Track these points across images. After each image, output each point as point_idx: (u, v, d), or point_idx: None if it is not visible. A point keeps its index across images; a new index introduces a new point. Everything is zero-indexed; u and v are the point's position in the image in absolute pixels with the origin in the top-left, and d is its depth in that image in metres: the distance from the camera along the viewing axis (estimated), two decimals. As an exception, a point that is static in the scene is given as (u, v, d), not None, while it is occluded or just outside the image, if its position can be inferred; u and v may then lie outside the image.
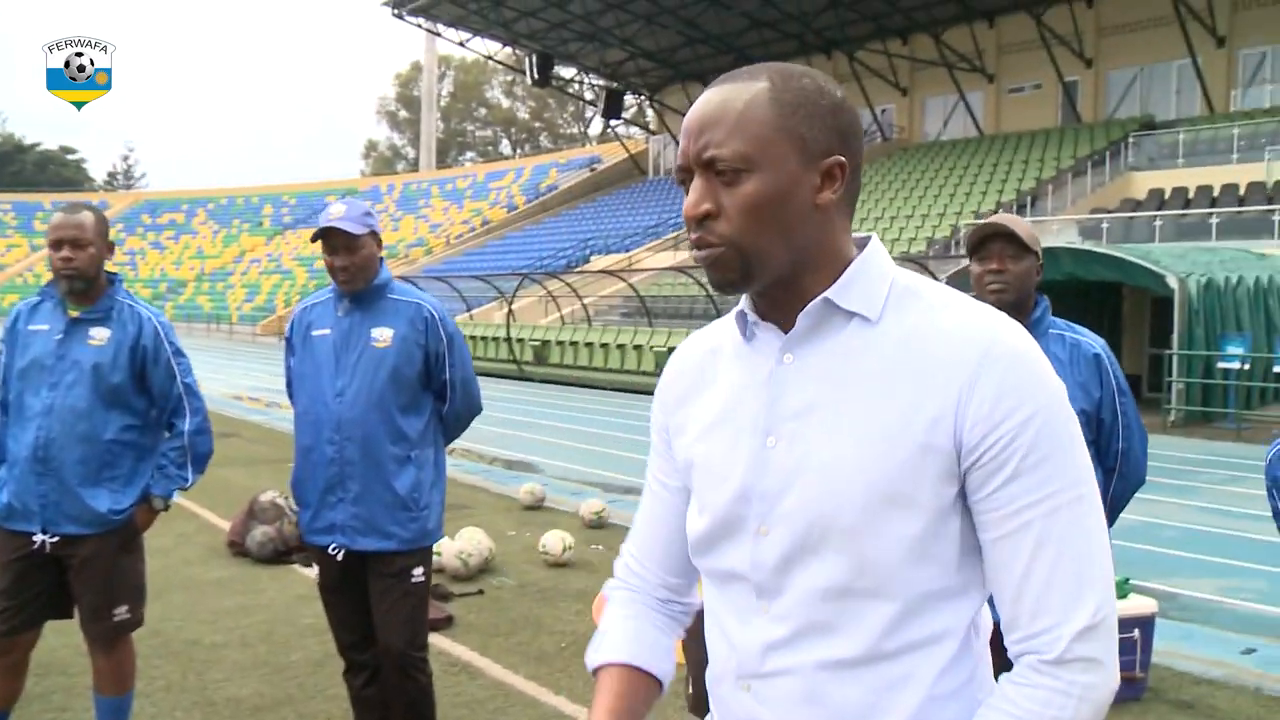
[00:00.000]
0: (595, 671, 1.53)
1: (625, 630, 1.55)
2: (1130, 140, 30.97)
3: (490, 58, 53.46)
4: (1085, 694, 1.21)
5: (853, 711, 1.28)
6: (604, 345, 25.70)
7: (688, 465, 1.46)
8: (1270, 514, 2.88)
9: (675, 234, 40.03)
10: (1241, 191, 25.48)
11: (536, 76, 46.81)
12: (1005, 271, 3.01)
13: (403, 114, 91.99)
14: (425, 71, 68.22)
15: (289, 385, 3.65)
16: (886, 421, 1.25)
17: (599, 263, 39.34)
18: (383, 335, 3.40)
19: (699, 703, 3.35)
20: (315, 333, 3.49)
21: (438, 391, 3.55)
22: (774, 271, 1.29)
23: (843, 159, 1.29)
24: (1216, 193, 26.07)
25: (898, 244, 29.20)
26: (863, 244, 1.35)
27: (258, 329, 49.32)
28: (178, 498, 3.82)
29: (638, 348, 24.53)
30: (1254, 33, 31.32)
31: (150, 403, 3.70)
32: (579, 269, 38.44)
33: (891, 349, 1.27)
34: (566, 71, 50.31)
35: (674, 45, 44.24)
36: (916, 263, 21.58)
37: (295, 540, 7.14)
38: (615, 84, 49.80)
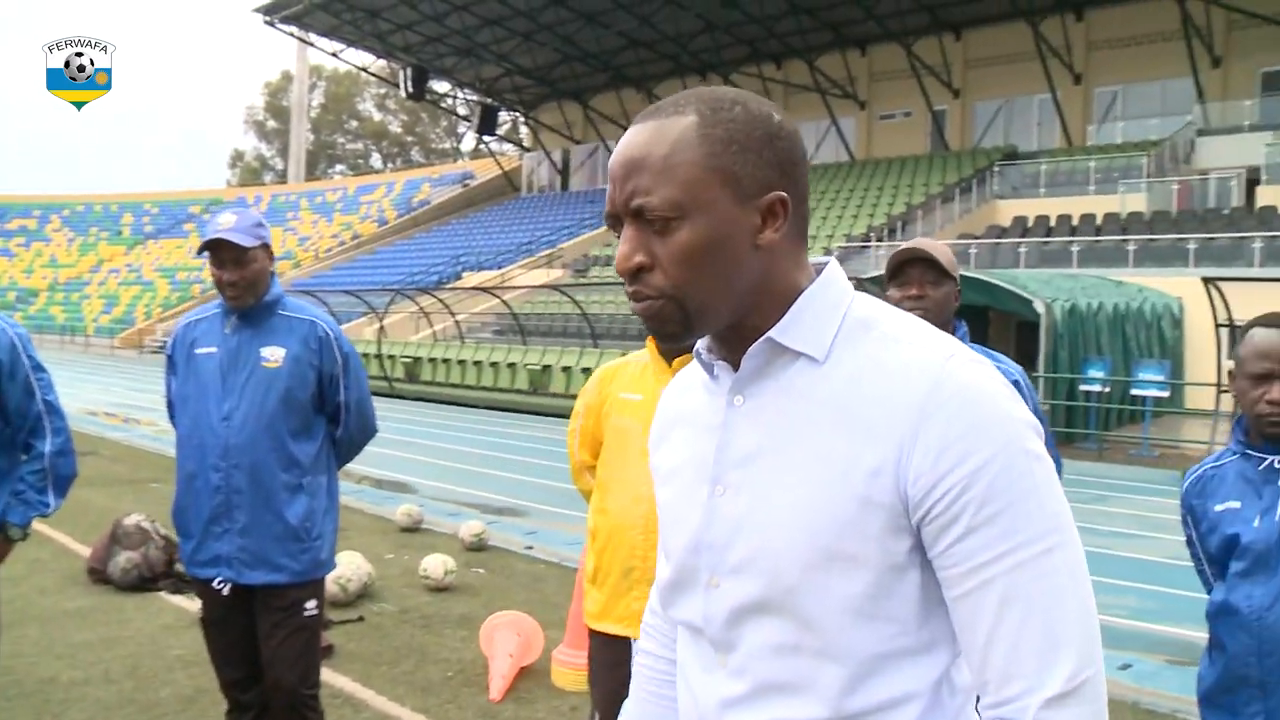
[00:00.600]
0: None
1: (633, 714, 1.58)
2: (995, 169, 32.11)
3: (364, 70, 52.70)
4: None
5: None
6: (477, 363, 25.37)
7: (659, 509, 1.35)
8: (1181, 540, 2.90)
9: (549, 251, 39.99)
10: (1099, 221, 26.63)
11: (411, 90, 46.33)
12: (925, 297, 2.93)
13: (271, 124, 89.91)
14: (296, 81, 66.83)
15: (170, 407, 3.39)
16: (828, 472, 1.16)
17: (471, 279, 38.99)
18: (274, 355, 3.18)
19: None
20: (199, 351, 3.25)
21: (331, 414, 3.35)
22: (718, 320, 1.19)
23: (784, 194, 1.18)
24: (1076, 222, 27.20)
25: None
26: (821, 269, 1.25)
27: (116, 341, 47.71)
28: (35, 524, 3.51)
29: (511, 366, 24.29)
30: (1107, 72, 32.92)
31: (5, 422, 3.38)
32: (451, 285, 38.02)
33: (838, 390, 1.18)
34: (441, 86, 49.88)
35: (551, 63, 44.25)
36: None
37: (162, 566, 6.79)
38: (490, 100, 49.54)
